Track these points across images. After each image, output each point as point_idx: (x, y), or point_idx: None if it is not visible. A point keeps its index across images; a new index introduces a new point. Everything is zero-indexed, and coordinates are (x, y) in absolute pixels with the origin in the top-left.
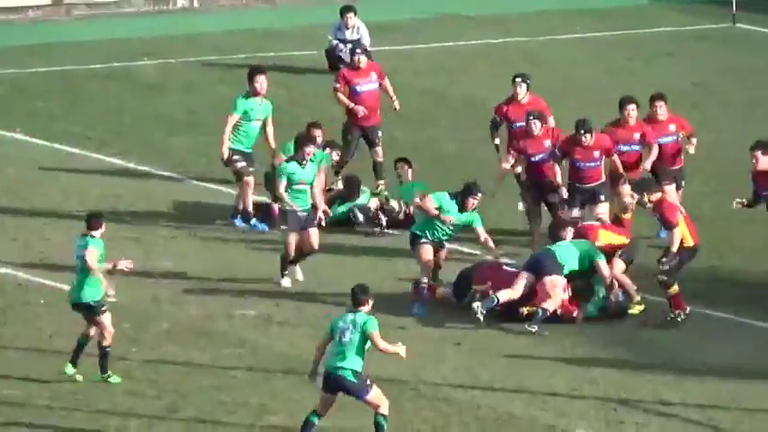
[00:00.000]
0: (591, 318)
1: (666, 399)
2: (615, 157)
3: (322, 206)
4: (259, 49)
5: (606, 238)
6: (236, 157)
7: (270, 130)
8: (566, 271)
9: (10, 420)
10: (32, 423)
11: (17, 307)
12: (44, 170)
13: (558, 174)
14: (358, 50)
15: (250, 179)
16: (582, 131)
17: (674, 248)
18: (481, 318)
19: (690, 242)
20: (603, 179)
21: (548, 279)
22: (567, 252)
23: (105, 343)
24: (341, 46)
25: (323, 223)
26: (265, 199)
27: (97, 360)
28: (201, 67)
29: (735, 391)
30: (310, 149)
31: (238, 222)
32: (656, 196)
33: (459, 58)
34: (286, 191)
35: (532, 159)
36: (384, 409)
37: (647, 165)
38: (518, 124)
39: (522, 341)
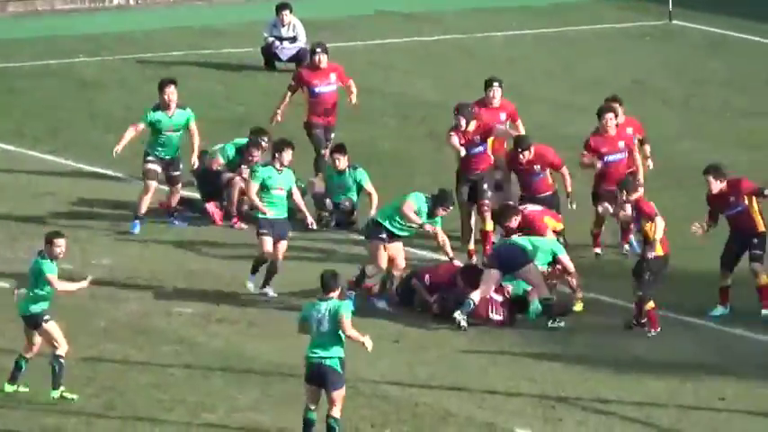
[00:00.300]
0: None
1: (604, 396)
2: (564, 169)
3: (309, 217)
4: (196, 47)
5: (552, 223)
6: (149, 158)
7: (194, 136)
8: (539, 263)
9: None
10: None
11: None
12: None
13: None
14: (318, 49)
15: (152, 184)
16: (520, 150)
17: (659, 235)
18: (465, 326)
19: (660, 252)
20: (553, 191)
21: (530, 266)
22: (534, 245)
23: (58, 352)
24: (276, 43)
25: (314, 226)
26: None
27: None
28: (138, 65)
29: (673, 388)
30: (286, 156)
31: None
32: (635, 195)
33: (394, 55)
34: (259, 196)
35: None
36: (337, 412)
37: (650, 163)
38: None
39: (460, 339)
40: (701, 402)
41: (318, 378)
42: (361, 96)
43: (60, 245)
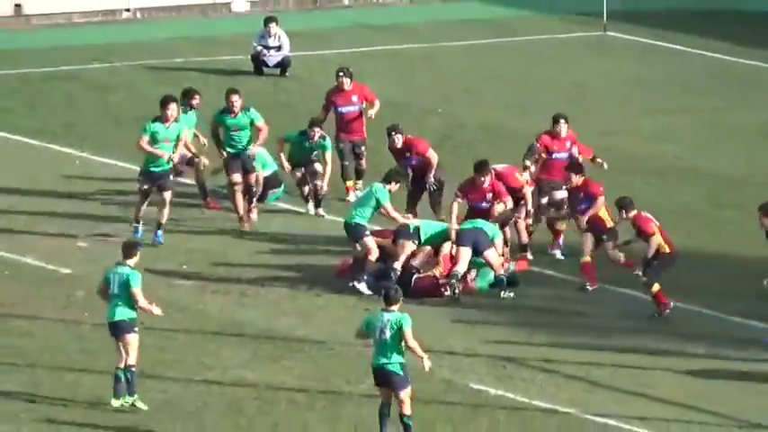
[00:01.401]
0: (483, 292)
1: (549, 357)
2: (508, 201)
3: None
4: (194, 54)
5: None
6: (139, 178)
7: (187, 143)
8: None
9: None
10: None
11: None
12: (7, 159)
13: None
14: (341, 74)
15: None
16: (479, 173)
17: (651, 254)
18: (459, 294)
19: (666, 249)
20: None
21: (492, 249)
22: (489, 228)
23: (131, 362)
24: (264, 51)
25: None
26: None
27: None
28: (143, 70)
29: (610, 350)
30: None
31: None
32: (632, 213)
33: (367, 62)
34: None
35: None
36: (407, 410)
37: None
38: (557, 155)
39: (424, 308)
40: (634, 362)
41: (384, 381)
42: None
43: (137, 254)
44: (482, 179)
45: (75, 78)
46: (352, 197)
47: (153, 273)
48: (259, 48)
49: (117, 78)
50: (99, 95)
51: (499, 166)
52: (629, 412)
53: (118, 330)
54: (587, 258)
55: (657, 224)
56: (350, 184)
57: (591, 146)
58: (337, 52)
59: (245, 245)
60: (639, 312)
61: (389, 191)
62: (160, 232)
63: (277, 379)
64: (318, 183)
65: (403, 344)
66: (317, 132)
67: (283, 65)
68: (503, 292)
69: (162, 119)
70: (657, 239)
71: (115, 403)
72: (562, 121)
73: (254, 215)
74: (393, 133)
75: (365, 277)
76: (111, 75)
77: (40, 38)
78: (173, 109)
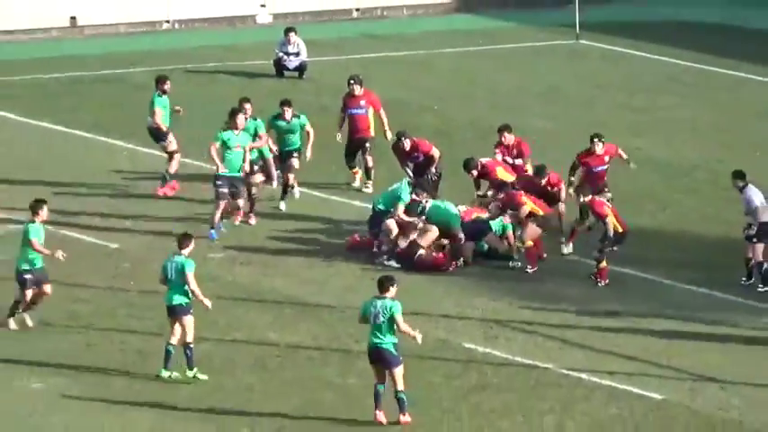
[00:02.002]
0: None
1: (529, 320)
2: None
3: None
4: (224, 60)
5: (504, 174)
6: (218, 182)
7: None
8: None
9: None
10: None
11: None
12: (64, 150)
13: None
14: (352, 81)
15: (222, 203)
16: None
17: (610, 233)
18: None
19: (619, 229)
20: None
21: (490, 234)
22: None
23: (188, 339)
24: (284, 57)
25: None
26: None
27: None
28: (180, 73)
29: (582, 314)
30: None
31: (212, 234)
32: (588, 198)
33: (372, 66)
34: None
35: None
36: (400, 386)
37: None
38: (596, 169)
39: (421, 277)
40: (601, 324)
41: (378, 358)
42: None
43: (191, 245)
44: (541, 180)
45: (122, 80)
46: (357, 183)
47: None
48: (280, 54)
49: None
50: (142, 95)
51: (484, 160)
52: (598, 367)
53: (174, 313)
54: (529, 244)
55: (611, 207)
56: (356, 170)
57: (568, 139)
58: (347, 58)
59: (267, 224)
60: (608, 285)
61: (409, 195)
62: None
63: (295, 339)
64: (290, 175)
65: (395, 327)
66: (288, 111)
67: (301, 68)
68: (510, 262)
69: (232, 126)
70: (612, 221)
71: (165, 374)
72: (596, 140)
73: (252, 221)
74: (402, 138)
75: (388, 253)
76: (152, 77)
77: (92, 45)
78: (242, 118)
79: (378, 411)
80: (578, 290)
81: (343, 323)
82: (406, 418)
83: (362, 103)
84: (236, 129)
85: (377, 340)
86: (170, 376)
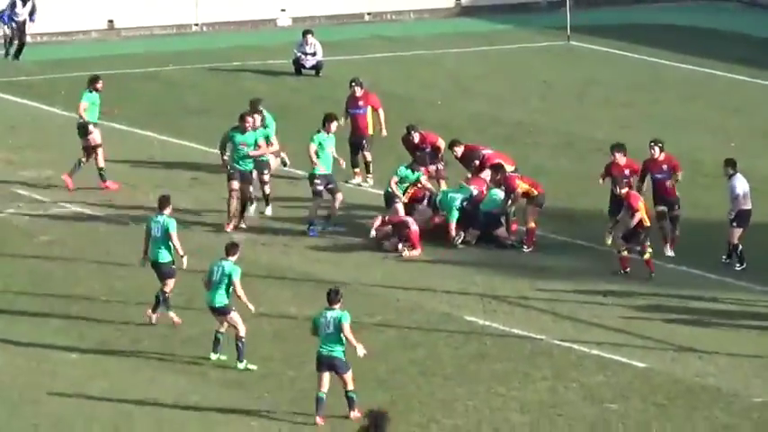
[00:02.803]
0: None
1: (524, 295)
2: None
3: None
4: (247, 59)
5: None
6: (316, 181)
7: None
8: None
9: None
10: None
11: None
12: (104, 140)
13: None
14: (353, 83)
15: (319, 200)
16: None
17: (629, 227)
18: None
19: (647, 223)
20: None
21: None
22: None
23: (240, 334)
24: (302, 56)
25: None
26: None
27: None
28: (208, 72)
29: (572, 290)
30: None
31: (313, 231)
32: (624, 191)
33: (382, 65)
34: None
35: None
36: (351, 386)
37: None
38: (658, 175)
39: (427, 260)
40: (590, 299)
41: (328, 366)
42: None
43: (238, 252)
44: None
45: (155, 78)
46: (356, 180)
47: (216, 232)
48: (298, 54)
49: (187, 78)
50: (173, 92)
51: (487, 151)
52: (587, 338)
53: (218, 313)
54: (532, 224)
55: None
56: (357, 170)
57: (559, 130)
58: (359, 57)
59: (286, 210)
60: (597, 263)
61: (406, 170)
62: (317, 228)
63: (312, 312)
64: (266, 188)
65: (342, 335)
66: (249, 122)
67: (317, 67)
68: (523, 247)
69: (327, 130)
70: (641, 215)
71: (213, 357)
72: (652, 143)
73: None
74: (412, 132)
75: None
76: (182, 75)
77: (128, 46)
78: (334, 125)
79: (318, 417)
80: (570, 268)
81: (354, 298)
82: (356, 414)
83: (361, 103)
84: (329, 132)
85: (328, 349)
86: (218, 358)
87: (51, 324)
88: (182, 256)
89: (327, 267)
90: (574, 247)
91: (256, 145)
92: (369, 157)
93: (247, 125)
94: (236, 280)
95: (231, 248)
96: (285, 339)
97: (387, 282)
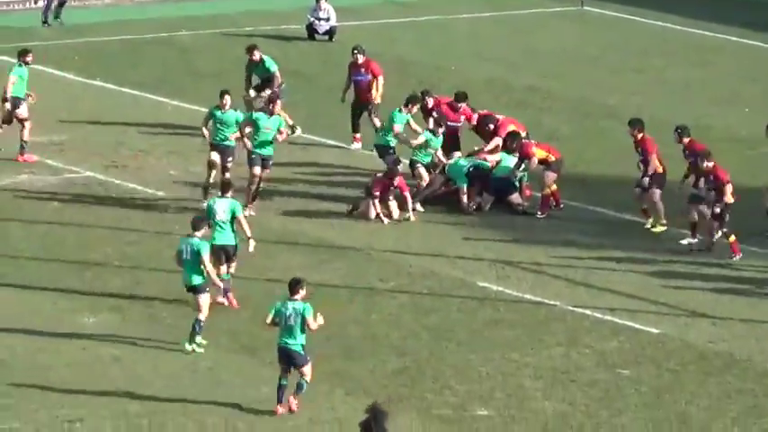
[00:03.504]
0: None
1: (537, 261)
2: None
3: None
4: (261, 24)
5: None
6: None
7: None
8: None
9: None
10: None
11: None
12: (116, 106)
13: None
14: (355, 51)
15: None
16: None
17: (729, 200)
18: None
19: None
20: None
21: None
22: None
23: (200, 317)
24: (315, 22)
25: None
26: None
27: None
28: (221, 37)
29: (586, 256)
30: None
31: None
32: (711, 164)
33: (395, 30)
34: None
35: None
36: (306, 377)
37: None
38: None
39: (439, 225)
40: (603, 266)
41: (287, 358)
42: (371, 57)
43: (204, 227)
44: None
45: (168, 43)
46: (354, 146)
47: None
48: (312, 19)
49: (200, 43)
50: (186, 56)
51: (500, 116)
52: (600, 304)
53: (195, 292)
54: (547, 191)
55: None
56: (357, 135)
57: (572, 96)
58: (372, 23)
59: (299, 177)
60: (610, 228)
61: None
62: None
63: (324, 278)
64: (227, 174)
65: (306, 327)
66: (227, 102)
67: (330, 32)
68: (538, 213)
69: (409, 111)
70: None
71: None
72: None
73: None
74: (426, 96)
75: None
76: (195, 40)
77: (141, 11)
78: (416, 108)
79: (279, 406)
80: (582, 234)
81: (367, 264)
82: (294, 401)
83: (363, 70)
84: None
85: (287, 341)
86: (200, 343)
87: (64, 289)
88: (213, 283)
89: (339, 233)
90: (586, 213)
91: (237, 125)
92: (377, 122)
93: (225, 103)
94: (205, 257)
95: (196, 224)
96: None
97: (399, 247)
